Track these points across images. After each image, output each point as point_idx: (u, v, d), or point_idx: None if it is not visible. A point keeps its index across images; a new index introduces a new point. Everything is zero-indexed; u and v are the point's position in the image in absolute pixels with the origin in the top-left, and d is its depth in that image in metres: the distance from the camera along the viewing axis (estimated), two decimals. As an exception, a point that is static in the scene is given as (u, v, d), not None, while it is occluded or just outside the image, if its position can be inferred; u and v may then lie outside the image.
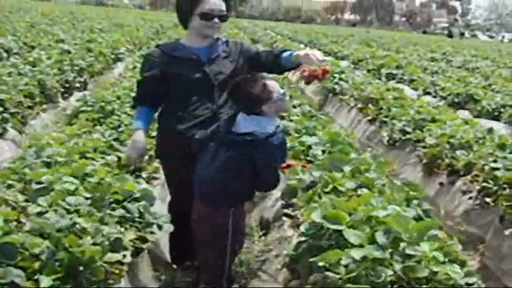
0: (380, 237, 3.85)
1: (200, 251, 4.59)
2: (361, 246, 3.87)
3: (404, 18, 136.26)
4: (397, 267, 3.68)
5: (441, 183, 7.64)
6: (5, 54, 15.08)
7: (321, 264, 3.82)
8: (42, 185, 4.58)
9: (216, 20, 4.54)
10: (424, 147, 8.39)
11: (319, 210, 4.27)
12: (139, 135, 4.68)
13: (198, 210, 4.41)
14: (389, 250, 3.77)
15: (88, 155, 5.59)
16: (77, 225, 3.96)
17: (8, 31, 20.08)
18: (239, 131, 4.17)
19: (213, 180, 4.27)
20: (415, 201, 4.97)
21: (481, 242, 6.16)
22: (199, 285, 4.71)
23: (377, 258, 3.67)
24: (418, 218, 4.58)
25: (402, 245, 3.85)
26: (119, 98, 8.82)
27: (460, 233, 6.22)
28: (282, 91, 4.23)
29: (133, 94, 5.07)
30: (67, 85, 12.42)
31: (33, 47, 17.15)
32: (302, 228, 4.36)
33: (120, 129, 6.84)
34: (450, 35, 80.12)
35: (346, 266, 3.69)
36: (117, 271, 3.89)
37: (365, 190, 5.04)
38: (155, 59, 4.65)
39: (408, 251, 3.76)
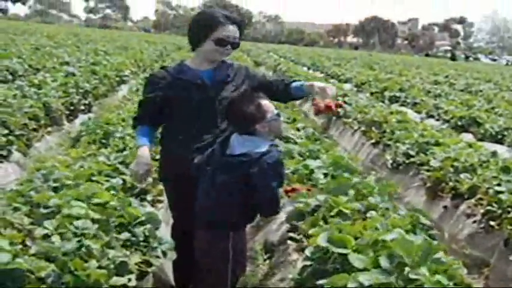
0: (384, 262, 3.85)
1: (200, 276, 4.58)
2: (366, 270, 3.87)
3: (406, 42, 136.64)
4: (399, 288, 3.68)
5: (445, 207, 7.65)
6: (10, 77, 15.14)
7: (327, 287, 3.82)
8: (49, 209, 4.59)
9: (229, 46, 4.57)
10: (428, 170, 8.40)
11: (324, 234, 4.27)
12: (144, 151, 4.64)
13: (199, 236, 4.41)
14: (395, 274, 3.77)
15: (93, 178, 5.60)
16: (83, 248, 3.97)
17: (13, 53, 20.18)
18: (233, 152, 4.13)
19: (211, 205, 4.25)
20: (420, 226, 4.98)
21: (485, 266, 6.16)
22: None
23: (383, 283, 3.67)
24: (424, 243, 4.57)
25: (407, 269, 3.85)
26: (123, 120, 8.85)
27: (464, 257, 6.22)
28: (276, 111, 4.23)
29: (134, 114, 5.07)
30: (72, 107, 12.46)
31: (38, 70, 17.23)
32: (307, 252, 4.35)
33: (125, 152, 6.84)
34: (453, 58, 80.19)
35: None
36: (122, 295, 3.89)
37: (373, 213, 5.05)
38: (159, 81, 4.63)
39: (411, 275, 3.76)
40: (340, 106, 4.82)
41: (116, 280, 3.86)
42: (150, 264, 4.52)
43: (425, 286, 3.67)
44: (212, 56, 4.62)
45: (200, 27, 4.60)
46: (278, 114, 4.25)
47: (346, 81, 23.74)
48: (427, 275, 3.74)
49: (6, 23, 49.46)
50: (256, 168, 3.99)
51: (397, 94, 18.05)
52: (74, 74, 15.14)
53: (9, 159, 8.35)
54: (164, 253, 4.67)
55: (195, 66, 4.67)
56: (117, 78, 17.97)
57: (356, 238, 4.25)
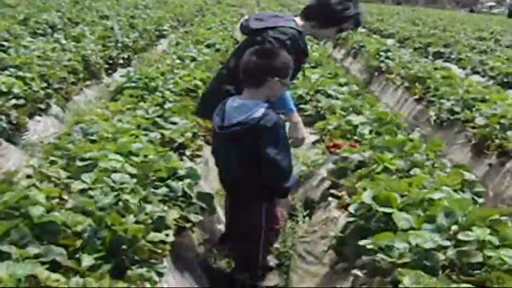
0: (440, 220, 3.71)
1: (235, 243, 4.49)
2: (411, 229, 3.74)
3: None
4: (450, 252, 3.54)
5: (490, 165, 7.44)
6: (49, 30, 15.11)
7: (370, 246, 3.69)
8: (86, 162, 4.50)
9: None
10: (473, 127, 8.17)
11: (369, 191, 4.13)
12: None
13: (230, 204, 4.32)
14: (446, 235, 3.63)
15: (132, 132, 5.51)
16: (120, 203, 3.88)
17: (52, 7, 20.15)
18: (231, 121, 3.98)
19: (230, 178, 4.16)
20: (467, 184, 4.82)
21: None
22: (235, 273, 4.62)
23: (438, 245, 3.53)
24: (472, 201, 4.42)
25: (454, 228, 3.70)
26: (163, 74, 8.74)
27: (509, 215, 6.03)
28: None
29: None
30: (111, 61, 12.40)
31: (77, 23, 17.17)
32: (351, 209, 4.22)
33: (164, 106, 6.74)
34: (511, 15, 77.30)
35: (398, 250, 3.55)
36: (159, 250, 3.80)
37: (417, 171, 4.89)
38: (298, 39, 4.61)
39: (461, 237, 3.61)
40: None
41: (154, 236, 3.78)
42: (188, 220, 4.43)
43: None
44: (321, 37, 4.99)
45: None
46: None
47: (388, 37, 23.32)
48: (481, 235, 3.58)
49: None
50: (257, 135, 3.84)
51: (441, 50, 17.67)
52: (112, 28, 15.04)
53: (48, 113, 8.32)
54: (203, 209, 4.57)
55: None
56: (157, 33, 17.85)
57: (402, 196, 4.10)
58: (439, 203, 3.97)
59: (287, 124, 4.46)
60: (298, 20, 4.71)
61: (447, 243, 3.60)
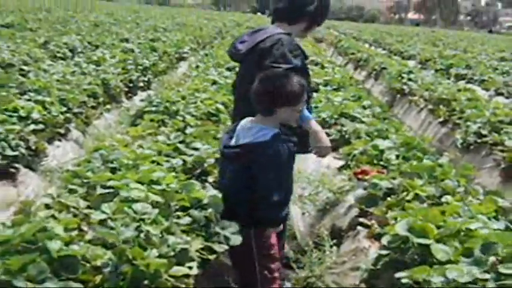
0: (478, 253, 3.54)
1: (235, 268, 4.35)
2: (450, 262, 3.56)
3: (469, 18, 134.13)
4: (490, 285, 3.36)
5: (521, 189, 7.24)
6: (69, 54, 15.12)
7: (405, 280, 3.51)
8: (107, 190, 4.36)
9: None
10: (502, 150, 7.98)
11: (404, 222, 3.95)
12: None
13: None
14: (486, 268, 3.45)
15: (153, 159, 5.37)
16: (142, 235, 3.73)
17: (73, 30, 20.22)
18: (238, 142, 3.88)
19: (225, 199, 4.09)
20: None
21: None
22: None
23: (476, 278, 3.35)
24: (507, 230, 4.24)
25: (491, 260, 3.52)
26: (183, 98, 8.63)
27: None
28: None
29: None
30: (131, 84, 12.32)
31: (97, 46, 17.18)
32: (384, 241, 4.04)
33: (185, 131, 6.61)
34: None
35: (435, 284, 3.37)
36: (183, 285, 3.64)
37: (449, 198, 4.71)
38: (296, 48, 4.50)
39: (501, 269, 3.43)
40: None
41: (177, 270, 3.63)
42: (212, 251, 4.27)
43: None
44: (302, 35, 4.72)
45: (311, 6, 4.56)
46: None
47: (409, 58, 23.19)
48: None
49: (67, 1, 49.81)
50: (257, 160, 3.72)
51: (464, 71, 17.48)
52: (132, 51, 15.00)
53: (68, 138, 8.22)
54: (227, 238, 4.41)
55: None
56: (177, 55, 17.81)
57: (438, 227, 3.92)
58: (476, 234, 3.81)
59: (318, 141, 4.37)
60: (277, 26, 4.60)
61: (487, 275, 3.42)
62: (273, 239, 4.24)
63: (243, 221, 4.01)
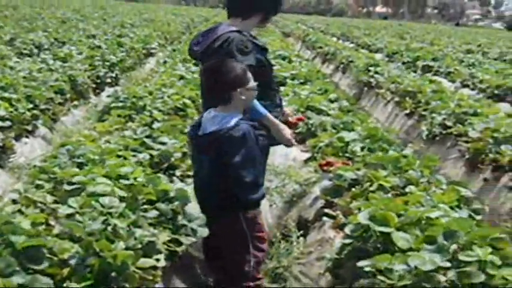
0: (441, 240, 3.61)
1: (219, 257, 4.33)
2: (411, 250, 3.64)
3: (436, 11, 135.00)
4: (451, 273, 3.44)
5: (485, 179, 7.35)
6: (36, 50, 15.02)
7: (368, 269, 3.58)
8: (74, 186, 4.38)
9: None
10: (466, 141, 8.08)
11: (365, 211, 4.03)
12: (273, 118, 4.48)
13: (210, 221, 4.22)
14: (448, 256, 3.53)
15: (120, 154, 5.39)
16: (109, 228, 3.76)
17: (39, 27, 20.08)
18: (205, 131, 3.94)
19: (205, 188, 4.08)
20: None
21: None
22: None
23: (438, 266, 3.43)
24: (470, 219, 4.33)
25: (453, 247, 3.61)
26: (150, 93, 8.64)
27: (506, 232, 5.94)
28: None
29: None
30: (98, 81, 12.29)
31: (64, 43, 17.06)
32: (347, 230, 4.11)
33: (153, 126, 6.63)
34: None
35: (397, 272, 3.45)
36: (150, 277, 3.68)
37: (412, 188, 4.79)
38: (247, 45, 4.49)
39: (462, 257, 3.51)
40: (301, 120, 5.38)
41: (144, 262, 3.67)
42: (180, 243, 4.31)
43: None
44: (260, 26, 4.72)
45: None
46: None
47: (377, 51, 23.36)
48: (481, 255, 3.48)
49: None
50: (225, 145, 3.78)
51: (430, 63, 17.65)
52: (100, 47, 14.95)
53: (35, 134, 8.19)
54: (194, 231, 4.46)
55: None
56: (144, 51, 17.78)
57: (399, 215, 3.99)
58: (437, 222, 3.88)
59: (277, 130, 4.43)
60: (231, 22, 4.61)
61: (448, 264, 3.50)
62: (261, 220, 4.30)
63: (227, 207, 4.04)
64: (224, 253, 4.24)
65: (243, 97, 3.93)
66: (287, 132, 4.46)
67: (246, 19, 4.53)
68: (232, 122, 3.84)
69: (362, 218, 3.98)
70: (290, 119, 4.77)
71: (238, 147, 3.81)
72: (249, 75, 3.99)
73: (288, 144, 4.61)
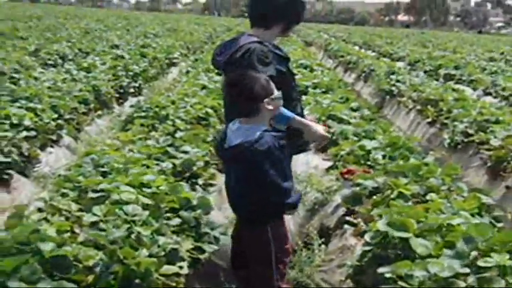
0: (460, 246, 3.64)
1: (246, 268, 4.37)
2: (430, 256, 3.67)
3: (459, 19, 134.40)
4: (471, 279, 3.46)
5: (508, 187, 7.34)
6: (60, 61, 15.17)
7: (389, 275, 3.61)
8: (98, 194, 4.45)
9: None
10: (488, 149, 8.09)
11: (384, 218, 4.06)
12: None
13: (240, 228, 4.25)
14: (467, 262, 3.55)
15: (143, 162, 5.46)
16: (133, 236, 3.83)
17: (63, 37, 20.27)
18: (230, 144, 3.93)
19: (236, 199, 4.10)
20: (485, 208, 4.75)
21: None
22: None
23: (457, 273, 3.46)
24: (489, 225, 4.33)
25: (473, 254, 3.63)
26: (173, 103, 8.71)
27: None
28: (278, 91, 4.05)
29: None
30: (121, 90, 12.41)
31: (87, 53, 17.24)
32: (366, 237, 4.14)
33: (175, 135, 6.70)
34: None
35: (417, 278, 3.48)
36: (174, 284, 3.74)
37: (433, 195, 4.82)
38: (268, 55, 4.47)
39: (480, 263, 3.54)
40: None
41: (167, 269, 3.74)
42: (203, 251, 4.37)
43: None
44: (283, 36, 4.75)
45: (285, 8, 4.53)
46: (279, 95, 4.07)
47: (398, 60, 23.33)
48: (500, 261, 3.50)
49: (57, 9, 49.83)
50: (251, 158, 3.79)
51: (452, 72, 17.60)
52: (123, 57, 15.08)
53: (60, 144, 8.28)
54: (217, 239, 4.52)
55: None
56: (167, 61, 17.89)
57: (418, 222, 4.02)
58: (457, 229, 3.91)
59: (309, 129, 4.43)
60: (254, 32, 4.62)
61: (467, 270, 3.52)
62: (287, 232, 4.34)
63: (258, 218, 4.06)
64: (249, 263, 4.29)
65: (270, 107, 3.92)
66: (319, 128, 4.46)
67: (268, 29, 4.55)
68: (257, 134, 3.86)
69: (381, 224, 4.02)
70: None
71: (269, 159, 3.83)
72: (273, 85, 4.01)
73: (324, 140, 4.60)
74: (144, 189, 4.62)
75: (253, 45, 4.34)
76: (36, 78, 10.64)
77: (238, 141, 3.85)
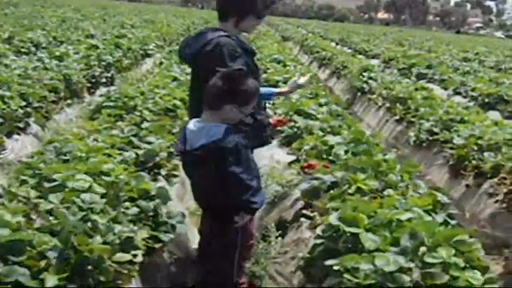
0: (404, 242, 3.73)
1: (207, 261, 4.41)
2: (378, 250, 3.76)
3: (438, 18, 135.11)
4: (416, 274, 3.56)
5: (467, 185, 7.48)
6: (33, 49, 15.11)
7: (337, 268, 3.70)
8: (55, 182, 4.48)
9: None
10: (451, 148, 8.22)
11: (336, 212, 4.15)
12: None
13: (204, 222, 4.31)
14: (412, 257, 3.65)
15: (106, 152, 5.49)
16: (88, 223, 3.88)
17: (39, 25, 20.16)
18: (193, 146, 3.87)
19: (200, 195, 4.14)
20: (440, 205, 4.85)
21: (506, 246, 6.00)
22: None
23: (401, 267, 3.56)
24: (444, 223, 4.43)
25: (422, 249, 3.73)
26: (142, 93, 8.73)
27: (485, 237, 6.06)
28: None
29: None
30: (93, 80, 12.40)
31: (62, 42, 17.16)
32: (318, 231, 4.23)
33: (142, 126, 6.73)
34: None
35: (363, 271, 3.57)
36: (126, 271, 3.79)
37: (390, 191, 4.90)
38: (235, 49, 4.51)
39: (427, 259, 3.64)
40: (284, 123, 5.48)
41: (120, 256, 3.78)
42: (159, 240, 4.43)
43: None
44: (250, 30, 4.76)
45: (241, 1, 4.56)
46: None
47: (373, 57, 23.49)
48: (445, 257, 3.60)
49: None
50: (219, 157, 3.79)
51: (424, 71, 17.75)
52: (97, 47, 15.06)
53: (27, 132, 8.28)
54: (173, 227, 4.58)
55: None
56: (142, 52, 17.88)
57: (371, 217, 4.11)
58: (405, 224, 3.99)
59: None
60: (220, 26, 4.67)
61: (412, 264, 3.62)
62: (253, 229, 4.42)
63: (225, 215, 4.09)
64: (211, 257, 4.34)
65: (230, 114, 3.87)
66: (301, 80, 4.75)
67: (227, 22, 4.60)
68: (222, 132, 3.86)
69: (333, 219, 4.10)
70: (271, 120, 4.80)
71: (235, 157, 3.80)
72: (254, 101, 4.05)
73: (307, 84, 5.07)
74: (102, 177, 4.66)
75: (223, 39, 4.40)
76: (6, 66, 10.59)
77: (202, 142, 3.85)
